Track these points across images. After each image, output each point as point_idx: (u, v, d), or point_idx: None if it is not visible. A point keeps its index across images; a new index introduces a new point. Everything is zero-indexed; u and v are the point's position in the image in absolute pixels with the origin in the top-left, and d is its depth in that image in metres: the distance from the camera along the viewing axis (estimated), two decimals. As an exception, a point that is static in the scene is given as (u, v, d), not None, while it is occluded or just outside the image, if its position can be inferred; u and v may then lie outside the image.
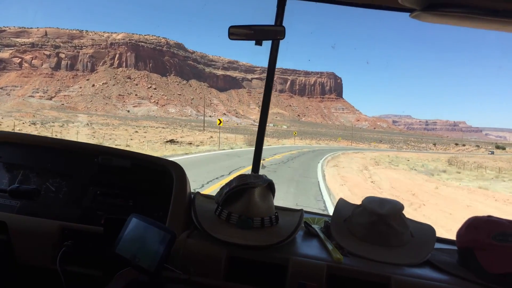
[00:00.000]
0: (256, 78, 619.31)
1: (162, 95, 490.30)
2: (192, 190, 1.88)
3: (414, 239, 1.64)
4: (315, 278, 1.40)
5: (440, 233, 1.87)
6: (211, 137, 74.13)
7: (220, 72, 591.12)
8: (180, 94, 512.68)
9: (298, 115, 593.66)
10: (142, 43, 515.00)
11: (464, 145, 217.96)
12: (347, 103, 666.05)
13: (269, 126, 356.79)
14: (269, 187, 1.70)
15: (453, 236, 1.67)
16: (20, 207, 1.81)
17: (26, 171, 1.94)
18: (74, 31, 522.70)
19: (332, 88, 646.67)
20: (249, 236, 1.54)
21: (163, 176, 1.81)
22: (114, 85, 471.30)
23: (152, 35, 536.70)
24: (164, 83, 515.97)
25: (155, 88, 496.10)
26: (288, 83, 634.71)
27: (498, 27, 1.29)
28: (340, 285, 1.44)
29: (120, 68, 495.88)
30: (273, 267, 1.50)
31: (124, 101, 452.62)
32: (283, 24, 1.98)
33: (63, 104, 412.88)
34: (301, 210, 1.83)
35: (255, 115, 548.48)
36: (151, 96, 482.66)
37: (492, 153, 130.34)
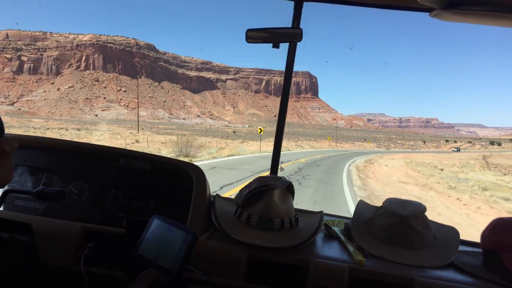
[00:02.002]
0: (231, 79, 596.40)
1: (133, 97, 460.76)
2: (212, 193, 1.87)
3: (437, 241, 1.61)
4: (337, 280, 1.38)
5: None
6: (137, 141, 49.82)
7: (193, 73, 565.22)
8: (151, 97, 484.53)
9: (275, 116, 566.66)
10: (111, 44, 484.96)
11: (455, 141, 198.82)
12: (323, 102, 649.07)
13: (244, 128, 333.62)
14: (289, 188, 1.68)
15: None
16: (45, 210, 1.84)
17: (49, 174, 1.96)
18: (37, 33, 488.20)
19: (307, 87, 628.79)
20: (269, 238, 1.52)
21: (183, 178, 1.82)
22: (81, 88, 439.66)
23: (121, 36, 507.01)
24: (134, 85, 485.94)
25: (125, 91, 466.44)
26: (264, 83, 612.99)
27: None
28: (362, 287, 1.41)
29: (88, 71, 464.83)
30: (294, 269, 1.48)
31: (92, 105, 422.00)
32: (300, 26, 1.95)
33: (19, 109, 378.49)
34: (321, 212, 1.81)
35: (230, 116, 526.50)
36: (121, 99, 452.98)
37: (458, 150, 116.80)
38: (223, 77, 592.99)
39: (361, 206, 1.88)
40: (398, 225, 1.57)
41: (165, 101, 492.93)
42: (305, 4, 1.95)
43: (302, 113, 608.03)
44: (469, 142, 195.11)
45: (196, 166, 1.82)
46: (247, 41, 1.94)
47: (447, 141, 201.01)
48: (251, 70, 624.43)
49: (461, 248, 1.66)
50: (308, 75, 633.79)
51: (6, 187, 1.83)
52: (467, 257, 1.58)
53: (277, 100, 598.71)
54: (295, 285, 1.47)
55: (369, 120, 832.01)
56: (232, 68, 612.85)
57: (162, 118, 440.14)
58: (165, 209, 1.82)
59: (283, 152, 39.72)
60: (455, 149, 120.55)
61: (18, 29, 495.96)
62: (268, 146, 52.04)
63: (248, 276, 1.49)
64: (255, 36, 1.94)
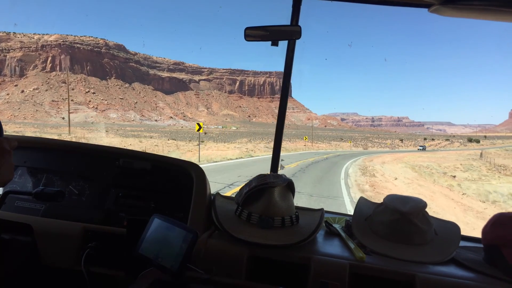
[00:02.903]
0: (204, 80, 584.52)
1: (102, 99, 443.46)
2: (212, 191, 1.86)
3: (438, 237, 1.60)
4: (338, 277, 1.37)
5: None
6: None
7: (165, 74, 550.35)
8: (122, 98, 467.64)
9: (249, 116, 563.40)
10: (78, 45, 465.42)
11: (433, 139, 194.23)
12: (298, 102, 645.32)
13: (218, 128, 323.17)
14: (289, 186, 1.67)
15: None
16: (45, 210, 1.83)
17: (49, 175, 1.95)
18: (0, 34, 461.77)
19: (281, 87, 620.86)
20: (270, 236, 1.51)
21: (183, 177, 1.81)
22: (46, 90, 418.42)
23: (89, 36, 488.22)
24: (104, 87, 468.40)
25: (93, 93, 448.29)
26: (237, 83, 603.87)
27: None
28: (363, 283, 1.41)
29: (54, 72, 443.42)
30: (295, 267, 1.47)
31: (58, 108, 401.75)
32: (299, 24, 1.93)
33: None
34: (322, 209, 1.79)
35: (204, 117, 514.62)
36: (90, 101, 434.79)
37: (423, 148, 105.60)
38: (196, 77, 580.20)
39: (362, 203, 1.87)
40: (399, 221, 1.56)
41: (136, 102, 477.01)
42: (303, 1, 1.92)
43: (276, 113, 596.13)
44: (446, 139, 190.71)
45: (196, 165, 1.80)
46: (245, 39, 1.92)
47: (425, 139, 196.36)
48: (224, 70, 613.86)
49: (462, 243, 1.66)
50: (282, 75, 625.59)
51: (6, 188, 1.83)
52: (469, 252, 1.57)
53: (251, 101, 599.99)
54: (296, 282, 1.46)
55: (342, 119, 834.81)
56: (205, 68, 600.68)
57: (133, 120, 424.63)
58: (166, 208, 1.80)
59: (238, 161, 29.05)
60: (421, 147, 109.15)
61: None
62: (229, 149, 42.40)
63: (249, 274, 1.48)
64: (253, 34, 1.91)
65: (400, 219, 1.56)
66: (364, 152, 67.14)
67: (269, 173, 1.81)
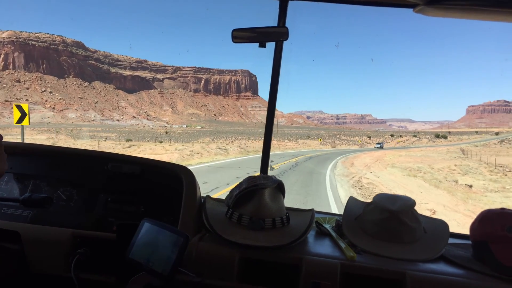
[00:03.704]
0: (168, 78, 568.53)
1: (60, 99, 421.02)
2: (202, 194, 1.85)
3: (427, 234, 1.62)
4: (329, 276, 1.38)
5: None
6: None
7: (127, 73, 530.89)
8: (81, 98, 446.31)
9: (215, 115, 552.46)
10: (33, 42, 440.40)
11: (401, 136, 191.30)
12: (264, 100, 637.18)
13: (182, 128, 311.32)
14: (279, 187, 1.67)
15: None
16: (33, 217, 1.81)
17: (36, 181, 1.93)
18: None
19: (247, 86, 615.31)
20: (261, 237, 1.51)
21: (173, 181, 1.79)
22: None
23: (45, 33, 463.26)
24: (61, 85, 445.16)
25: (50, 92, 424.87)
26: (203, 82, 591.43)
27: (503, 18, 1.26)
28: (355, 283, 1.41)
29: (7, 71, 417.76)
30: (286, 267, 1.47)
31: (12, 108, 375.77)
32: (286, 25, 1.93)
33: None
34: (312, 210, 1.80)
35: (169, 116, 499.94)
36: (46, 101, 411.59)
37: (381, 146, 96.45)
38: (160, 76, 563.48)
39: (352, 202, 1.88)
40: (389, 220, 1.57)
41: (97, 102, 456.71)
42: (290, 3, 1.92)
43: (242, 111, 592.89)
44: (414, 136, 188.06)
45: (186, 168, 1.79)
46: (233, 41, 1.91)
47: (392, 135, 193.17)
48: (189, 68, 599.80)
49: (451, 240, 1.67)
50: (247, 73, 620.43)
51: None
52: (457, 249, 1.58)
53: (217, 99, 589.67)
54: (288, 283, 1.46)
55: (308, 117, 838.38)
56: (169, 66, 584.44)
57: (93, 120, 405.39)
58: (156, 212, 1.80)
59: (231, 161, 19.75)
60: (378, 145, 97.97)
61: None
62: (167, 153, 33.19)
63: (241, 276, 1.48)
64: (241, 36, 1.91)
65: (389, 217, 1.57)
66: (336, 152, 59.04)
67: (259, 174, 1.78)
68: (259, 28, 1.88)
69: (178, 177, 1.75)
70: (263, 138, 2.19)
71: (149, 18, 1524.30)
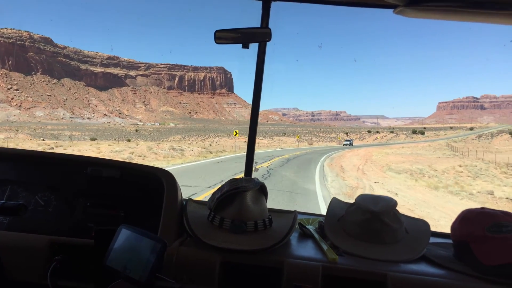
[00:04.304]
0: (141, 75, 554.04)
1: (27, 96, 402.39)
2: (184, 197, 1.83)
3: (409, 235, 1.61)
4: (311, 279, 1.36)
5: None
6: None
7: (98, 69, 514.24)
8: (50, 95, 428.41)
9: (190, 112, 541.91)
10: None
11: (378, 132, 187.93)
12: (239, 97, 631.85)
13: (154, 125, 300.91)
14: (261, 190, 1.66)
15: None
16: (9, 223, 1.78)
17: (14, 186, 1.89)
18: None
19: (222, 83, 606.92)
20: (243, 241, 1.49)
21: (153, 184, 1.75)
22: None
23: (11, 29, 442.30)
24: (28, 83, 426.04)
25: (17, 89, 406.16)
26: (177, 79, 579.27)
27: (482, 19, 1.28)
28: (336, 285, 1.40)
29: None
30: (268, 271, 1.45)
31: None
32: (269, 26, 1.93)
33: None
34: (295, 211, 1.78)
35: (142, 114, 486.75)
36: (12, 99, 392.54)
37: (350, 143, 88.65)
38: (133, 73, 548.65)
39: (334, 203, 1.86)
40: (370, 221, 1.56)
41: (66, 99, 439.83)
42: (273, 3, 1.92)
43: (218, 109, 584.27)
44: (391, 132, 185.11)
45: (167, 171, 1.76)
46: (216, 42, 1.91)
47: (369, 131, 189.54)
48: (162, 65, 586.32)
49: (433, 240, 1.67)
50: (222, 70, 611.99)
51: None
52: (439, 249, 1.59)
53: (192, 97, 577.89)
54: (269, 287, 1.45)
55: (284, 114, 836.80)
56: (142, 63, 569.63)
57: (62, 118, 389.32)
58: (137, 217, 1.78)
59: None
60: (347, 142, 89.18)
61: None
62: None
63: (222, 280, 1.46)
64: (224, 36, 1.91)
65: (371, 218, 1.56)
66: (316, 151, 52.50)
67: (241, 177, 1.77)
68: (242, 29, 1.88)
69: (159, 181, 1.73)
70: (246, 140, 2.16)
71: (121, 14, 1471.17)
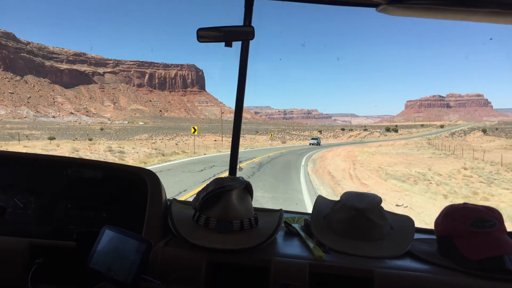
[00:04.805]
0: (109, 72, 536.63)
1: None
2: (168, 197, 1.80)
3: (393, 231, 1.62)
4: (298, 277, 1.36)
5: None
6: None
7: (64, 66, 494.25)
8: (12, 93, 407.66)
9: (160, 111, 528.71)
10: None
11: (351, 129, 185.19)
12: (211, 96, 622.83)
13: (122, 124, 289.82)
14: (247, 188, 1.64)
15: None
16: None
17: None
18: None
19: (194, 81, 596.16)
20: (228, 240, 1.47)
21: (137, 184, 1.72)
22: None
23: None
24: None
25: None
26: (147, 76, 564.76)
27: (463, 17, 1.28)
28: (323, 282, 1.40)
29: None
30: (255, 270, 1.44)
31: None
32: (252, 24, 1.91)
33: None
34: (281, 210, 1.78)
35: (110, 112, 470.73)
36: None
37: (318, 143, 77.62)
38: (101, 70, 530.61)
39: (320, 201, 1.86)
40: (356, 218, 1.57)
41: (30, 97, 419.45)
42: (255, 2, 1.91)
43: (189, 107, 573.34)
44: (365, 129, 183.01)
45: (150, 171, 1.73)
46: (198, 41, 1.89)
47: (342, 129, 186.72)
48: (132, 62, 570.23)
49: (417, 236, 1.69)
50: (194, 68, 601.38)
51: None
52: (423, 244, 1.60)
53: (162, 95, 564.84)
54: (257, 286, 1.45)
55: (256, 112, 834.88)
56: (111, 60, 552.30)
57: (25, 117, 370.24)
58: (120, 218, 1.75)
59: None
60: (314, 141, 78.57)
61: None
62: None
63: (208, 281, 1.44)
64: (206, 35, 1.88)
65: (356, 215, 1.57)
66: (292, 150, 46.91)
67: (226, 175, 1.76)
68: (225, 27, 1.86)
69: (142, 181, 1.69)
70: (230, 139, 2.17)
71: (88, 9, 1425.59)
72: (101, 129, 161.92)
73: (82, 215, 1.75)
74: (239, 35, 1.90)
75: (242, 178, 1.64)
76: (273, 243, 1.56)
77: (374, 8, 1.32)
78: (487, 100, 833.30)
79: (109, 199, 1.78)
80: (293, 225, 1.76)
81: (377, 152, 41.57)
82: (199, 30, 1.85)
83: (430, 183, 19.04)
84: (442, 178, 21.05)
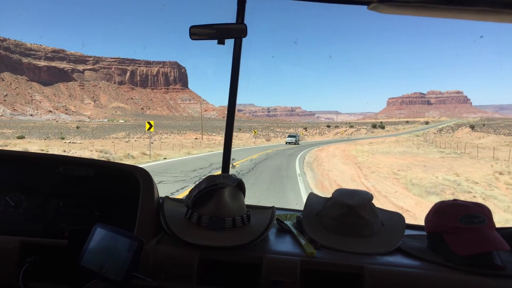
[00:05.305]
0: (89, 69, 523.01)
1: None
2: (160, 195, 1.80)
3: (384, 227, 1.63)
4: (289, 274, 1.37)
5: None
6: None
7: (43, 63, 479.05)
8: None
9: (142, 108, 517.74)
10: None
11: (337, 126, 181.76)
12: (194, 93, 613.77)
13: (102, 122, 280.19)
14: (239, 186, 1.63)
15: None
16: None
17: None
18: None
19: (176, 78, 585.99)
20: (221, 237, 1.47)
21: (129, 182, 1.71)
22: None
23: None
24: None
25: None
26: (128, 74, 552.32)
27: (453, 15, 1.29)
28: (315, 279, 1.41)
29: None
30: (247, 267, 1.44)
31: None
32: (245, 22, 1.90)
33: None
34: (273, 207, 1.77)
35: (91, 110, 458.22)
36: None
37: (296, 141, 65.35)
38: (80, 67, 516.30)
39: (312, 198, 1.87)
40: (347, 215, 1.57)
41: (6, 95, 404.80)
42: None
43: (172, 105, 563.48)
44: (351, 126, 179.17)
45: (142, 169, 1.73)
46: (191, 38, 1.88)
47: (328, 126, 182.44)
48: (112, 59, 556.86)
49: (408, 232, 1.69)
50: (176, 65, 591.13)
51: None
52: (413, 240, 1.61)
53: (144, 92, 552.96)
54: (249, 283, 1.44)
55: (239, 110, 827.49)
56: (91, 57, 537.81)
57: (2, 115, 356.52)
58: (112, 216, 1.75)
59: None
60: (291, 139, 65.46)
61: None
62: None
63: (200, 278, 1.44)
64: (199, 32, 1.88)
65: (348, 212, 1.57)
66: (279, 152, 41.13)
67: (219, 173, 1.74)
68: (217, 24, 1.86)
69: (134, 179, 1.69)
70: (224, 137, 2.17)
71: (67, 4, 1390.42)
72: (77, 127, 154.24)
73: (74, 213, 1.74)
74: (231, 32, 1.89)
75: (235, 175, 1.64)
76: (265, 240, 1.56)
77: (366, 6, 1.32)
78: (466, 97, 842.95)
79: (101, 197, 1.78)
80: (285, 222, 1.77)
81: (376, 151, 36.40)
82: (192, 27, 1.84)
83: (474, 196, 13.85)
84: (483, 188, 15.92)
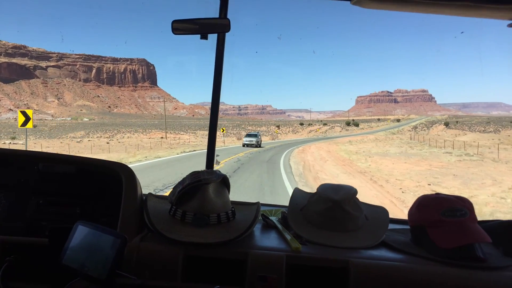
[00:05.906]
0: (53, 66, 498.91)
1: None
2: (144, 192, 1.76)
3: (369, 221, 1.63)
4: (275, 269, 1.36)
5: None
6: None
7: (2, 60, 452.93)
8: None
9: (109, 107, 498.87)
10: None
11: (310, 124, 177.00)
12: (163, 91, 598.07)
13: (65, 120, 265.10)
14: (224, 182, 1.62)
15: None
16: None
17: None
18: None
19: (145, 75, 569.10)
20: (206, 234, 1.45)
21: (111, 179, 1.67)
22: None
23: None
24: None
25: None
26: (94, 71, 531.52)
27: (435, 10, 1.29)
28: (301, 274, 1.40)
29: None
30: (233, 263, 1.42)
31: None
32: (228, 17, 1.86)
33: None
34: (258, 203, 1.75)
35: (54, 109, 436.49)
36: None
37: (257, 144, 42.75)
38: (43, 64, 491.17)
39: (297, 193, 1.86)
40: (332, 209, 1.58)
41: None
42: None
43: (140, 103, 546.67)
44: (325, 124, 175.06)
45: (125, 165, 1.69)
46: (173, 33, 1.84)
47: (301, 124, 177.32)
48: (77, 56, 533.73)
49: (392, 226, 1.70)
50: (145, 62, 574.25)
51: None
52: (397, 234, 1.62)
53: (111, 90, 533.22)
54: (234, 279, 1.41)
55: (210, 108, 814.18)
56: (54, 53, 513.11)
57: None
58: (94, 213, 1.71)
59: None
60: (249, 139, 46.00)
61: None
62: None
63: (185, 275, 1.41)
64: (182, 27, 1.84)
65: (332, 207, 1.58)
66: (253, 154, 34.78)
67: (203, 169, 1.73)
68: (200, 19, 1.81)
69: (117, 175, 1.64)
70: (208, 134, 2.17)
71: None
72: (34, 126, 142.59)
73: (55, 211, 1.70)
74: (214, 27, 1.85)
75: (219, 171, 1.62)
76: (250, 236, 1.55)
77: (349, 1, 1.32)
78: (431, 95, 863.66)
79: (83, 194, 1.73)
80: (270, 217, 1.76)
81: (369, 153, 30.34)
82: (174, 22, 1.81)
83: None
84: None
